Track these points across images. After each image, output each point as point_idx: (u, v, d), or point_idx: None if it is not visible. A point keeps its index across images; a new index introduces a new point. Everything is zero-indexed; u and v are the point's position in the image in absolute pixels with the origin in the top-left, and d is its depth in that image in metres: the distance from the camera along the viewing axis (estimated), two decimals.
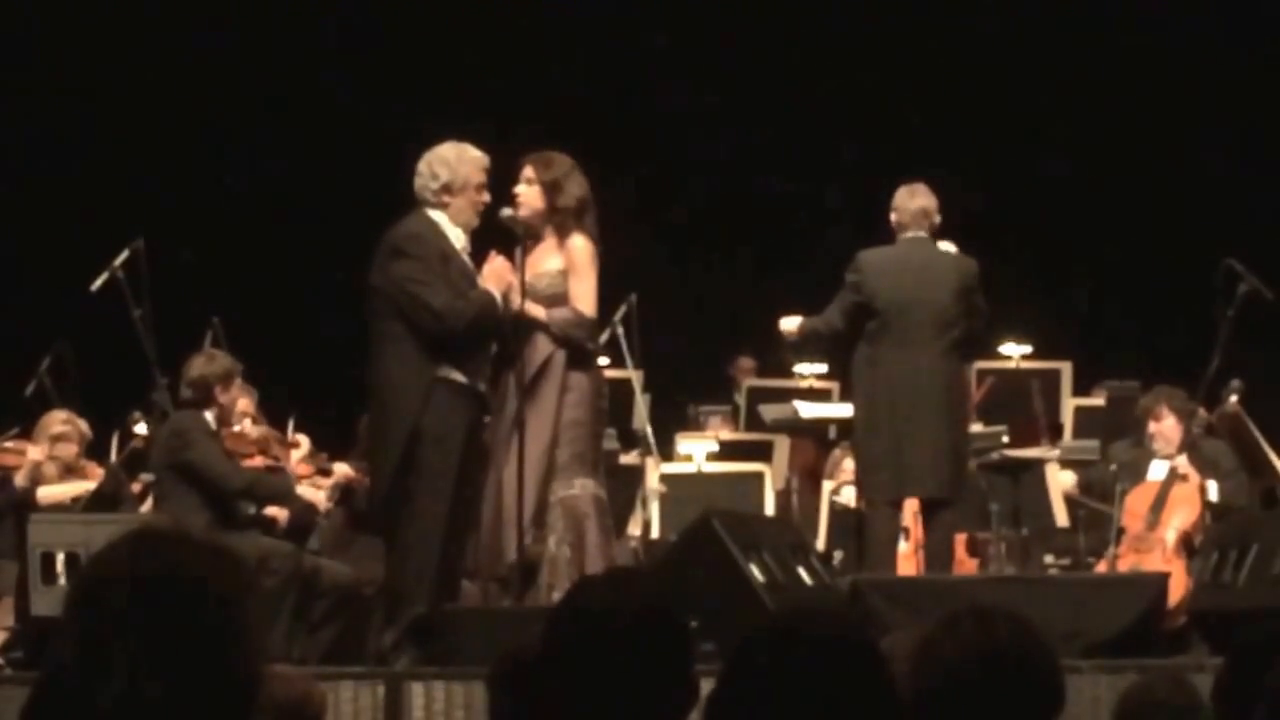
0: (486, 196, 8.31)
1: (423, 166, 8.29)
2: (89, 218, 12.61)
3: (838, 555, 10.67)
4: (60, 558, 8.67)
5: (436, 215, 8.25)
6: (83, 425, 10.02)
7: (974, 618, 3.06)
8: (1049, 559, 10.72)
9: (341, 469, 10.19)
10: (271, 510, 9.76)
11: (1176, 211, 13.89)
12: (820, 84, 14.57)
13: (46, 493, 9.66)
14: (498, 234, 8.41)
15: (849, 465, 11.19)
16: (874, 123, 14.36)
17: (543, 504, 8.22)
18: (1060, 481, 10.51)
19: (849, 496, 11.00)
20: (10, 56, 13.94)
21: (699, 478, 10.74)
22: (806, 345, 9.74)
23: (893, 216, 9.46)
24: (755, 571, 8.13)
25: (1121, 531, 10.02)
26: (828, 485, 11.19)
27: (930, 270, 9.31)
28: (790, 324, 9.50)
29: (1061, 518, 10.48)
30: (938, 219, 9.42)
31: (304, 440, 10.17)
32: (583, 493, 8.28)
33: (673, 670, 2.92)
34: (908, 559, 9.76)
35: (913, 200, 9.41)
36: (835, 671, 2.81)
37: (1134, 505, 10.09)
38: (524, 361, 8.25)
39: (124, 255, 9.89)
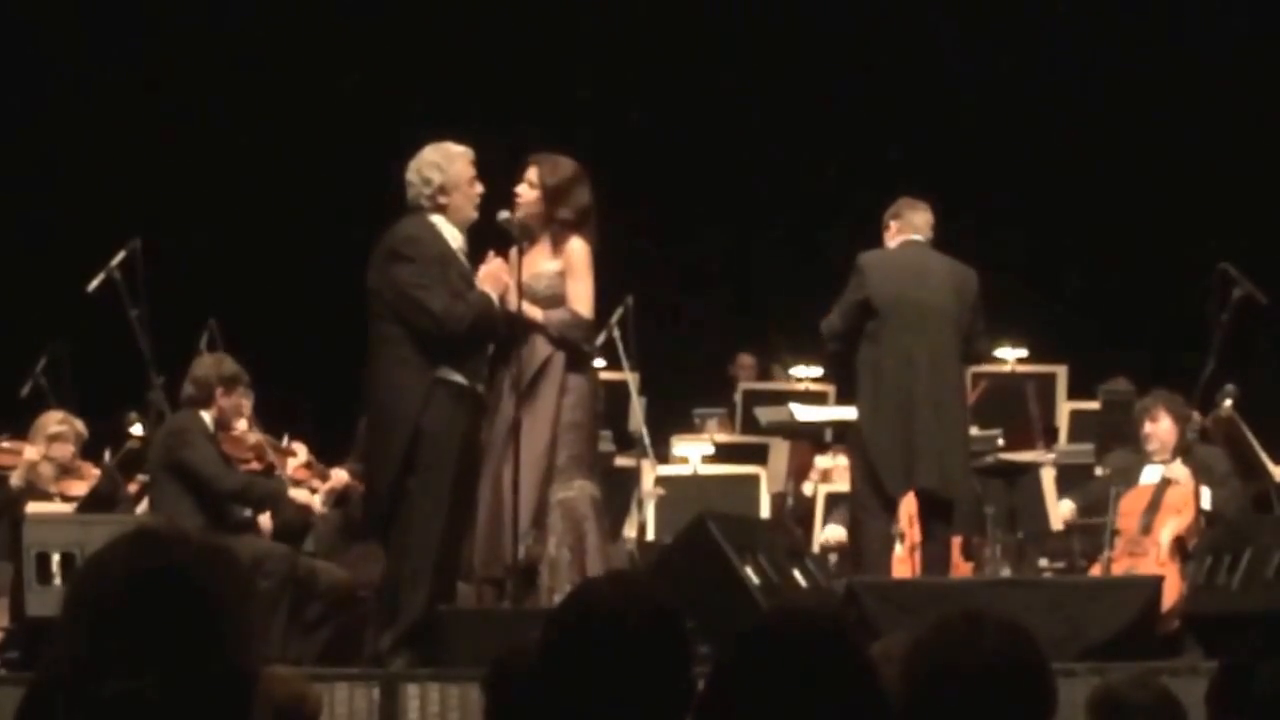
0: (480, 187, 8.32)
1: (412, 175, 8.29)
2: (86, 218, 12.61)
3: (833, 558, 10.68)
4: (55, 558, 8.66)
5: (434, 218, 8.26)
6: (79, 425, 10.01)
7: (964, 621, 3.07)
8: (1044, 562, 10.72)
9: (338, 474, 10.18)
10: (260, 519, 9.75)
11: (1171, 216, 13.89)
12: (819, 86, 14.57)
13: (34, 509, 9.64)
14: (494, 235, 8.42)
15: (820, 463, 11.22)
16: (872, 126, 14.37)
17: (542, 506, 8.22)
18: (1061, 509, 10.50)
19: (835, 534, 11.00)
20: (6, 57, 13.94)
21: (694, 480, 10.74)
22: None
23: (892, 223, 9.50)
24: (750, 574, 8.13)
25: (1116, 535, 10.02)
26: (823, 488, 11.21)
27: (930, 272, 9.36)
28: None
29: (1056, 521, 10.49)
30: (931, 231, 9.50)
31: (301, 449, 10.15)
32: (581, 494, 8.28)
33: (673, 673, 2.93)
34: (903, 562, 9.76)
35: (913, 212, 9.48)
36: (820, 673, 2.82)
37: (1128, 509, 10.10)
38: (521, 363, 8.25)
39: (121, 256, 9.88)
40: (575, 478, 8.29)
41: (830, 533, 11.02)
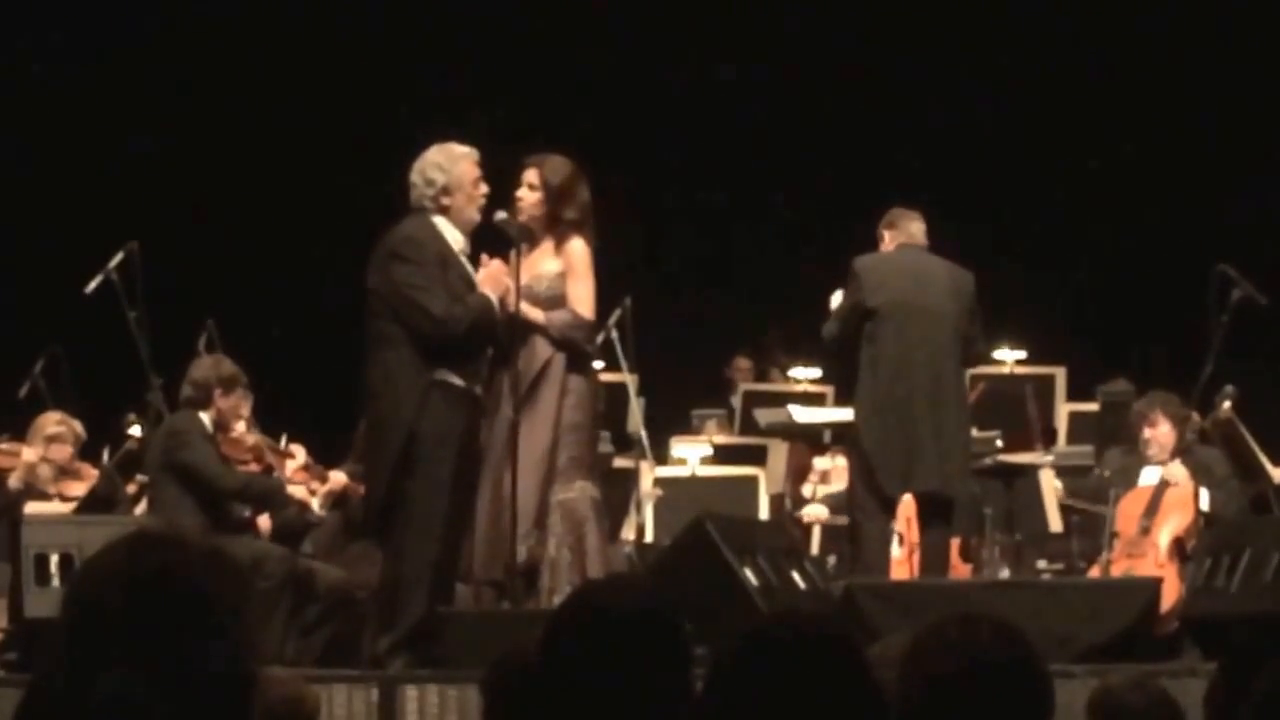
0: (485, 188, 8.30)
1: (415, 176, 8.27)
2: (83, 220, 12.62)
3: (831, 560, 10.69)
4: (54, 559, 8.66)
5: (437, 219, 8.24)
6: (77, 426, 10.02)
7: (958, 624, 3.06)
8: (1042, 564, 10.73)
9: (336, 477, 10.18)
10: (259, 519, 9.75)
11: (1170, 217, 13.90)
12: (815, 91, 14.57)
13: (33, 509, 9.64)
14: (493, 237, 8.41)
15: (819, 464, 11.23)
16: (871, 127, 14.36)
17: (543, 507, 8.21)
18: (1053, 487, 10.53)
19: (817, 512, 11.04)
20: (4, 57, 13.94)
21: (693, 481, 10.74)
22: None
23: (885, 234, 9.54)
24: (749, 575, 8.13)
25: (1115, 536, 10.02)
26: (822, 489, 11.22)
27: (926, 274, 9.37)
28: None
29: (1055, 523, 10.49)
30: (925, 240, 9.52)
31: (300, 451, 10.15)
32: (581, 495, 8.28)
33: (671, 676, 2.93)
34: (901, 564, 9.77)
35: (906, 220, 9.51)
36: (817, 676, 2.82)
37: (1127, 510, 10.09)
38: (521, 365, 8.25)
39: (118, 257, 9.89)
40: (576, 479, 8.28)
41: (812, 510, 11.07)
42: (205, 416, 9.42)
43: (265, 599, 8.70)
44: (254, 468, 9.72)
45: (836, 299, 9.50)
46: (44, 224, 13.64)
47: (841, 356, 9.57)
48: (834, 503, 10.89)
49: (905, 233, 9.49)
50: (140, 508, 9.81)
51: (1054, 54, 14.47)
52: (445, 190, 8.22)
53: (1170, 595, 9.22)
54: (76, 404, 10.64)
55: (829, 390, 11.54)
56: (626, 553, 10.30)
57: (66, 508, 9.69)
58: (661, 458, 11.09)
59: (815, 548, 10.98)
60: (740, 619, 7.41)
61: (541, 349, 8.33)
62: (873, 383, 9.29)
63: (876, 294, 9.25)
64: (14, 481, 9.74)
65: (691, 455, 10.98)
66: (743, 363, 13.38)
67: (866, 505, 9.28)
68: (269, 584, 8.91)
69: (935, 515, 9.31)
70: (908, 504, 9.44)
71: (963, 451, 9.41)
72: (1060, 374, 11.22)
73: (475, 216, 8.29)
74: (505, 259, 8.31)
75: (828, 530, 11.00)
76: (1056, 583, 9.98)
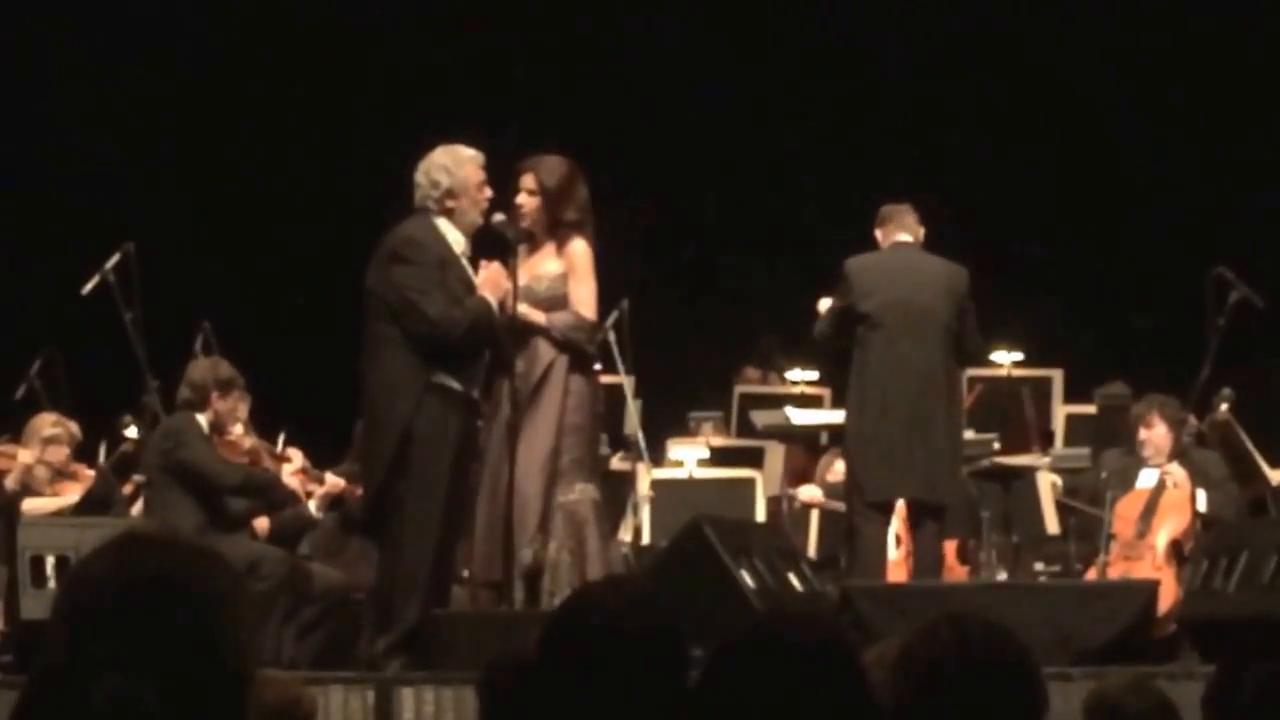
0: (489, 192, 8.28)
1: (420, 177, 8.25)
2: (80, 221, 12.61)
3: (842, 561, 10.66)
4: (50, 561, 8.67)
5: (439, 221, 8.22)
6: (73, 427, 10.01)
7: (950, 626, 3.06)
8: (1039, 566, 10.72)
9: (333, 480, 10.17)
10: (256, 521, 9.73)
11: (1168, 219, 13.90)
12: (812, 93, 14.57)
13: (31, 505, 9.63)
14: (492, 240, 8.39)
15: (840, 468, 11.23)
16: (868, 128, 14.37)
17: (547, 510, 8.20)
18: (1051, 487, 10.53)
19: (809, 494, 11.08)
20: (1, 59, 13.94)
21: (690, 483, 10.73)
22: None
23: (878, 232, 9.56)
24: (746, 577, 8.13)
25: (1112, 538, 10.02)
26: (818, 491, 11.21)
27: (919, 274, 9.38)
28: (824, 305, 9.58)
29: (1052, 525, 10.48)
30: (922, 232, 9.53)
31: (297, 454, 10.14)
32: (583, 498, 8.27)
33: (668, 678, 2.93)
34: (899, 566, 9.77)
35: (898, 215, 9.51)
36: (811, 676, 2.82)
37: (1124, 512, 10.09)
38: (524, 367, 8.24)
39: (115, 259, 9.88)
40: (577, 481, 8.27)
41: (807, 491, 11.07)
42: (202, 418, 9.41)
43: (262, 600, 8.69)
44: None
45: (824, 305, 9.53)
46: (41, 225, 13.63)
47: (835, 357, 9.59)
48: (831, 490, 10.88)
49: (898, 229, 9.49)
50: (136, 509, 9.81)
51: (1053, 54, 14.46)
52: (450, 193, 8.20)
53: (1168, 597, 9.22)
54: (73, 405, 10.63)
55: (826, 392, 11.54)
56: (623, 554, 10.29)
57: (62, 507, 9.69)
58: (658, 460, 11.08)
59: (813, 545, 10.96)
60: (737, 621, 7.41)
61: (544, 351, 8.31)
62: (860, 387, 9.31)
63: (867, 299, 9.26)
64: (10, 483, 9.73)
65: (688, 457, 10.97)
66: (751, 373, 13.32)
67: (861, 508, 9.29)
68: (266, 585, 8.90)
69: (925, 517, 9.32)
70: (905, 506, 9.45)
71: (952, 456, 9.41)
72: (1057, 376, 11.22)
73: (478, 219, 8.27)
74: (504, 262, 8.29)
75: (827, 526, 10.96)
76: (1054, 585, 9.98)
